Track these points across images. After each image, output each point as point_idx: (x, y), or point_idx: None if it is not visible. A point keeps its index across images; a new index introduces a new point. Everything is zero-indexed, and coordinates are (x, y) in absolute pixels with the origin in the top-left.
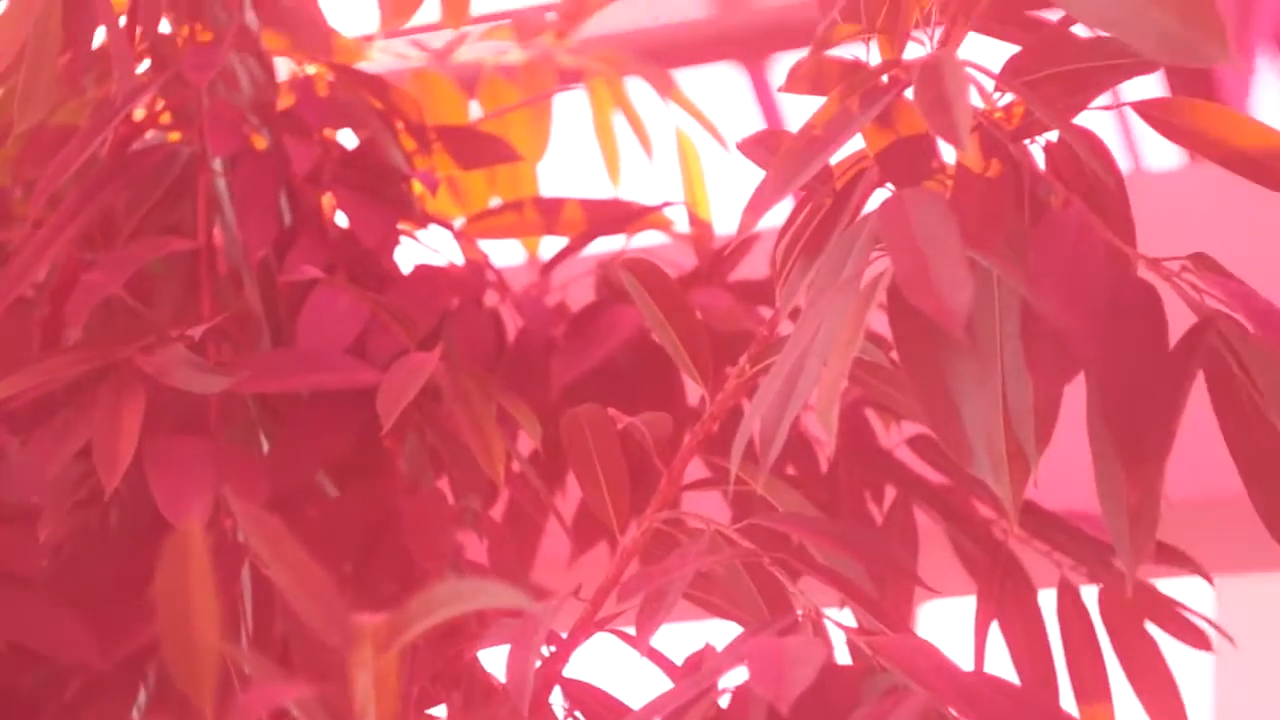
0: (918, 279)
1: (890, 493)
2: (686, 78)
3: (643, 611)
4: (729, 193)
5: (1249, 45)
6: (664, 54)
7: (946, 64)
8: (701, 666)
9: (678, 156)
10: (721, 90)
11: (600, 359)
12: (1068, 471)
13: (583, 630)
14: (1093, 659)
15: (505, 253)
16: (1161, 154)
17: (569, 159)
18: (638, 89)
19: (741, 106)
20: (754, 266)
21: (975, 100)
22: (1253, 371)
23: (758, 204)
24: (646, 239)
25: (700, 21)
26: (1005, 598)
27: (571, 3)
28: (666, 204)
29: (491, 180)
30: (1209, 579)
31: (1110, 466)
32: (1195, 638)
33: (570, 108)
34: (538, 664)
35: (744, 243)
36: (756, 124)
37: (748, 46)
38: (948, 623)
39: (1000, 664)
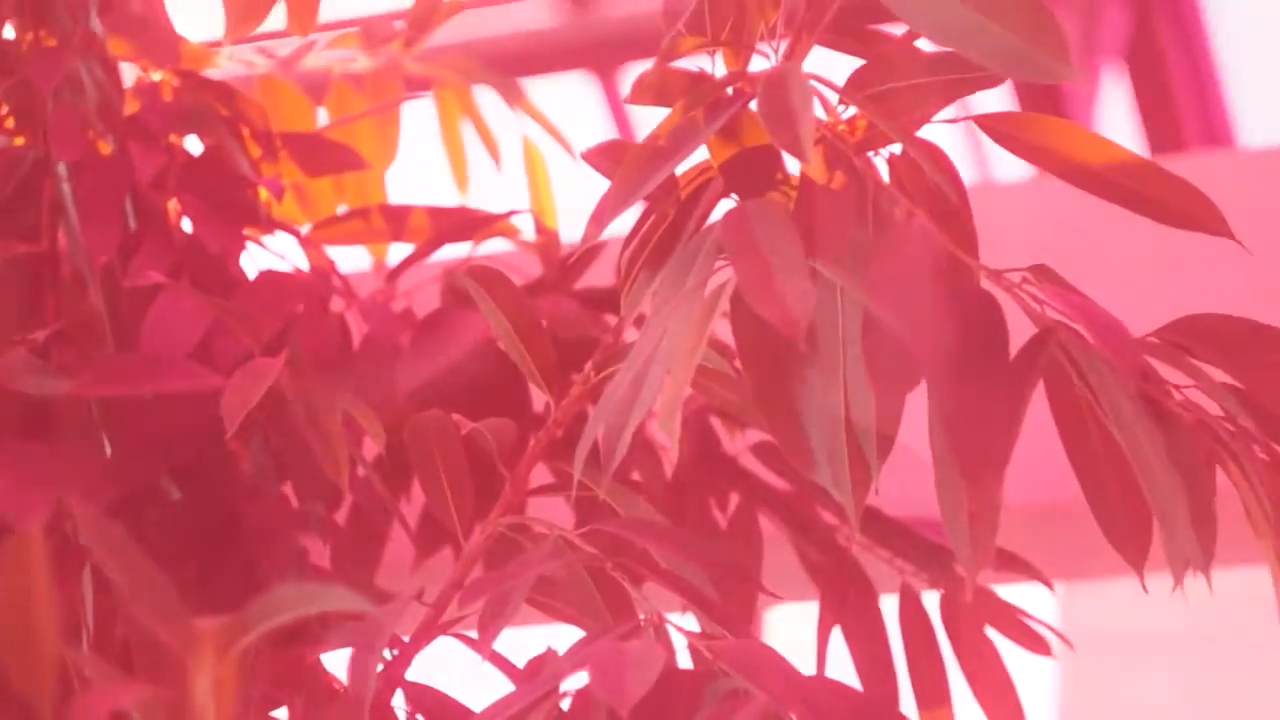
0: (760, 288)
1: (735, 499)
2: (538, 87)
3: (485, 615)
4: (578, 201)
5: (1092, 61)
6: (515, 63)
7: (790, 77)
8: (543, 670)
9: (524, 165)
10: (573, 100)
11: (445, 365)
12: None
13: (425, 634)
14: (933, 664)
15: (353, 260)
16: (1015, 166)
17: (418, 167)
18: (486, 98)
19: (593, 116)
20: (602, 274)
21: (819, 113)
22: (1091, 381)
23: (602, 213)
24: (494, 247)
25: (551, 30)
26: (847, 603)
27: (419, 11)
28: (513, 212)
29: (339, 187)
30: (1049, 585)
31: (950, 474)
32: (1035, 643)
33: (419, 116)
34: (380, 667)
35: (589, 251)
36: (608, 133)
37: (599, 56)
38: (794, 628)
39: (843, 669)
